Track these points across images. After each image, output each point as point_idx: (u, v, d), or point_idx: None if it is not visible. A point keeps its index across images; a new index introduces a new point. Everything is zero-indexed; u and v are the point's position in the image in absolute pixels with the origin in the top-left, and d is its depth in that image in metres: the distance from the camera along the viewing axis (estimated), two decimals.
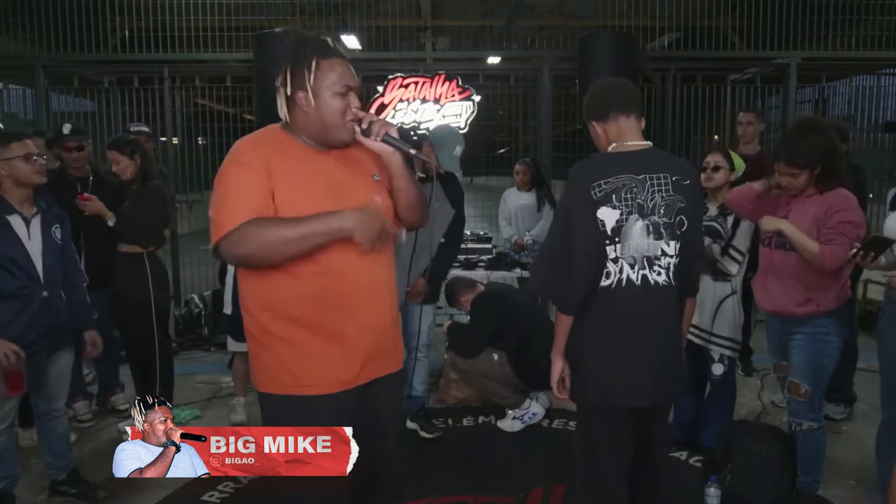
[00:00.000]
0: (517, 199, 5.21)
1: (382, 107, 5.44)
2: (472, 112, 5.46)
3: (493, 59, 6.78)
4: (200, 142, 6.33)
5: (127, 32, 6.11)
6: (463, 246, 4.84)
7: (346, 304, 1.66)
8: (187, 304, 5.56)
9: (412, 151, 1.76)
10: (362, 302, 1.69)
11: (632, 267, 1.95)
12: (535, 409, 3.73)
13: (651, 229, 1.95)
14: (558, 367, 2.08)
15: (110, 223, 3.43)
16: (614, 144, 2.04)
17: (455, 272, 4.39)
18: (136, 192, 3.48)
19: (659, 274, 1.97)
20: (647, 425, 2.11)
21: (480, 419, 3.86)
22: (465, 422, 3.84)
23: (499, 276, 4.68)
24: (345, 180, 1.71)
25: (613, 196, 1.93)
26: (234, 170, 1.63)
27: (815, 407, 2.71)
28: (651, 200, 1.94)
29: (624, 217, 1.93)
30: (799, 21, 5.81)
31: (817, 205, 2.58)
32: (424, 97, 5.42)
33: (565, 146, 6.19)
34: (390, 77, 5.45)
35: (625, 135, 2.03)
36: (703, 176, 3.13)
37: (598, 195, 1.93)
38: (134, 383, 3.78)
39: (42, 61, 5.71)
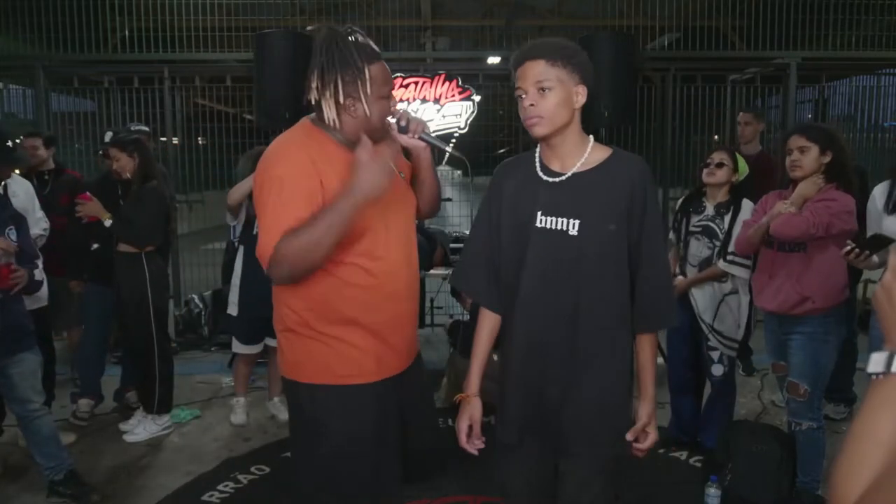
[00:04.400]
0: None
1: None
2: (472, 112, 5.45)
3: (493, 59, 6.77)
4: (200, 142, 6.33)
5: (127, 32, 6.09)
6: (462, 245, 4.84)
7: (389, 303, 1.76)
8: (187, 304, 5.56)
9: (447, 148, 1.86)
10: (403, 300, 1.81)
11: None
12: None
13: None
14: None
15: (107, 223, 3.41)
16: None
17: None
18: (135, 193, 3.47)
19: None
20: None
21: None
22: None
23: None
24: None
25: None
26: (275, 184, 1.60)
27: (814, 406, 2.71)
28: None
29: None
30: (799, 21, 5.80)
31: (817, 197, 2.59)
32: (424, 97, 5.40)
33: None
34: None
35: None
36: (705, 171, 3.12)
37: None
38: (135, 382, 3.80)
39: (42, 61, 5.70)
